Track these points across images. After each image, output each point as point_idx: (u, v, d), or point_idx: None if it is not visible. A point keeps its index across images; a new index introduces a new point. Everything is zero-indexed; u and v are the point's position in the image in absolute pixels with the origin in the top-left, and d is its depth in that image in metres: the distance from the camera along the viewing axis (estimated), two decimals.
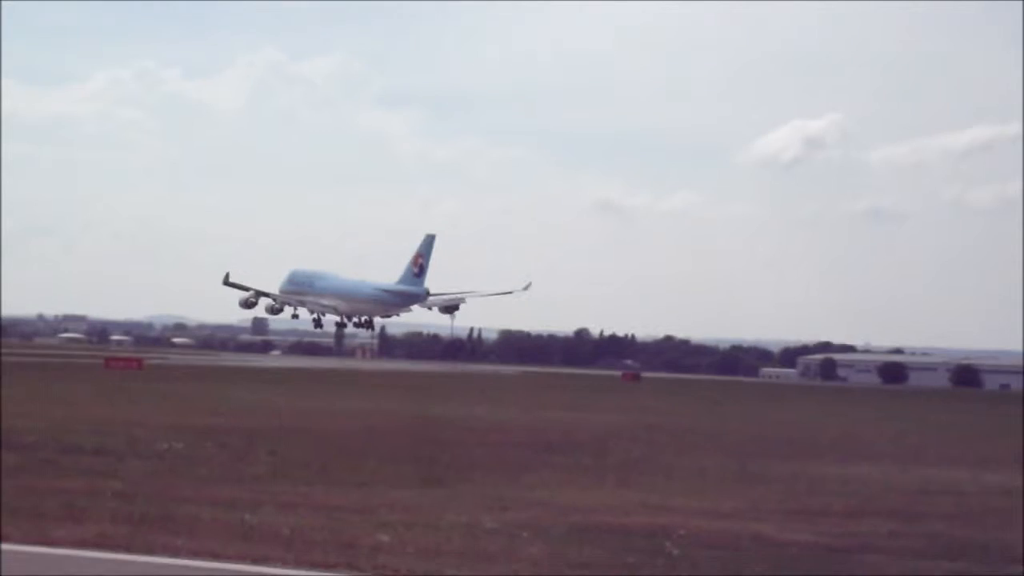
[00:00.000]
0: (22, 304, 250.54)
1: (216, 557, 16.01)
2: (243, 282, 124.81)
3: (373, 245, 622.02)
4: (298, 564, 15.87)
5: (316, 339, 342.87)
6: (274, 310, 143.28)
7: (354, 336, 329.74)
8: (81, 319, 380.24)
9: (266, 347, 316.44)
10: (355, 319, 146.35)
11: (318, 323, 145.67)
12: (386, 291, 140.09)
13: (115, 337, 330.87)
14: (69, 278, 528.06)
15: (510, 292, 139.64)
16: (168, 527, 18.07)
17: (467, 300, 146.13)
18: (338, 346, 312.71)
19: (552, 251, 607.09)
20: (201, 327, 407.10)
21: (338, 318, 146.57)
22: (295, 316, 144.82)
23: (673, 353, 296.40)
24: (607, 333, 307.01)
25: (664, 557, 17.83)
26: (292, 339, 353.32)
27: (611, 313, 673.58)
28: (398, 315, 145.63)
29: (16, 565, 15.15)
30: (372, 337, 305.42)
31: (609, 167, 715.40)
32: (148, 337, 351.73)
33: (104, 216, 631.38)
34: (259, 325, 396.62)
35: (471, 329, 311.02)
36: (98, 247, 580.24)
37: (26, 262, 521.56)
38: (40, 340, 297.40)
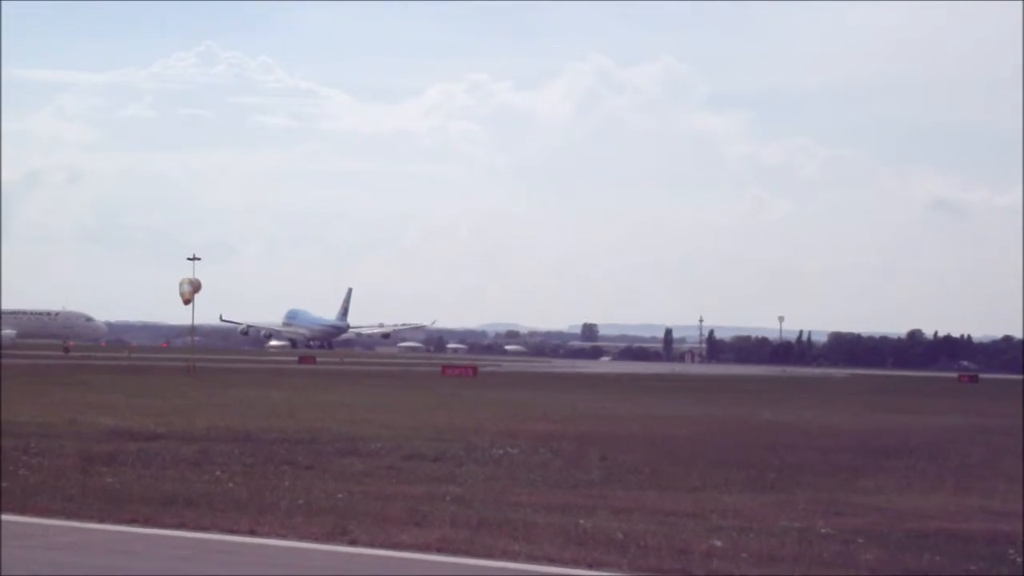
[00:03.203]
0: (364, 315, 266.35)
1: (552, 562, 16.40)
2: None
3: (701, 247, 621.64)
4: (632, 569, 16.08)
5: (645, 344, 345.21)
6: (267, 336, 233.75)
7: (683, 341, 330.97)
8: (419, 328, 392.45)
9: (596, 353, 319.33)
10: (313, 341, 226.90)
11: (294, 344, 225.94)
12: (326, 324, 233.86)
13: (451, 345, 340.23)
14: (408, 288, 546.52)
15: (421, 326, 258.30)
16: (506, 531, 18.51)
17: (390, 331, 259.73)
18: (667, 351, 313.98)
19: (884, 250, 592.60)
20: (533, 334, 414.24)
21: (304, 340, 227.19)
22: (268, 336, 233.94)
23: (1013, 353, 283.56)
24: (941, 334, 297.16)
25: (1008, 565, 17.29)
26: (622, 344, 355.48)
27: (946, 313, 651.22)
28: (335, 340, 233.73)
29: (365, 568, 15.93)
30: (700, 342, 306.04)
31: (944, 163, 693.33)
32: (482, 345, 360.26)
33: (439, 227, 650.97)
34: (589, 331, 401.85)
35: (800, 332, 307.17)
36: (434, 257, 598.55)
37: (368, 274, 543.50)
38: (381, 349, 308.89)
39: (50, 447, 29.27)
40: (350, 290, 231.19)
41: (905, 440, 42.06)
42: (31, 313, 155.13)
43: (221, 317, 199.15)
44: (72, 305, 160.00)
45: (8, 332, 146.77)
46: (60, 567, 15.11)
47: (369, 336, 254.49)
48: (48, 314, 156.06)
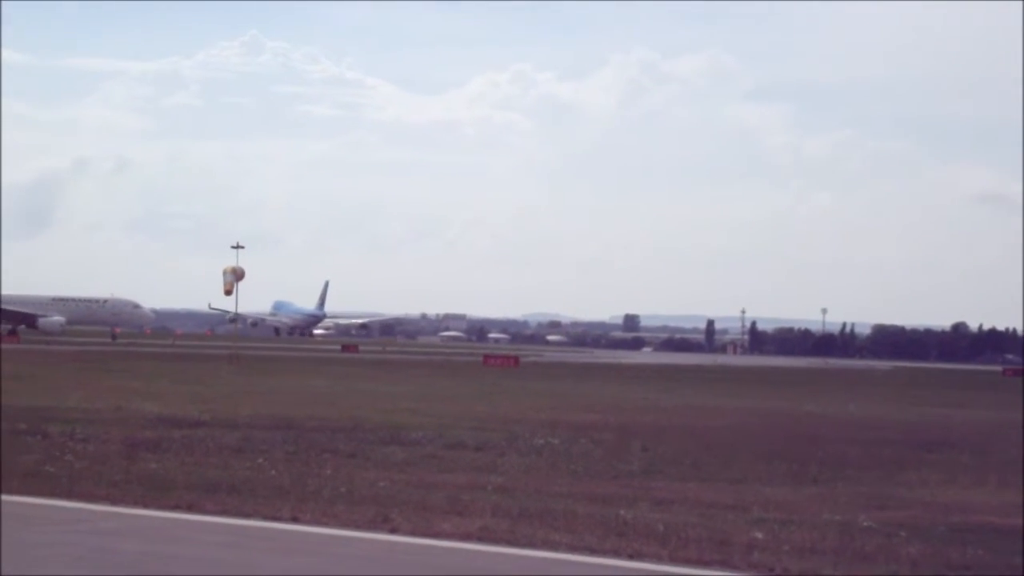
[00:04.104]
0: (407, 304, 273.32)
1: (592, 552, 16.38)
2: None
3: (743, 238, 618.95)
4: (673, 560, 16.03)
5: (687, 335, 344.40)
6: (254, 323, 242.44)
7: (725, 332, 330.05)
8: (461, 318, 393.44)
9: (638, 343, 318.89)
10: (296, 330, 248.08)
11: (278, 332, 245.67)
12: (305, 314, 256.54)
13: (493, 335, 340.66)
14: (450, 278, 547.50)
15: (365, 324, 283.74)
16: (546, 521, 18.51)
17: (366, 322, 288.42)
18: (709, 342, 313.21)
19: (928, 242, 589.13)
20: (575, 324, 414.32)
21: (287, 329, 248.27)
22: (254, 324, 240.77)
23: None
24: (987, 327, 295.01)
25: None
26: (663, 335, 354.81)
27: (991, 306, 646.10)
28: (314, 329, 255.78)
29: (406, 557, 15.98)
30: (742, 333, 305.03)
31: (990, 156, 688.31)
32: (524, 335, 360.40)
33: (482, 217, 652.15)
34: (630, 322, 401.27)
35: (843, 324, 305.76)
36: (477, 247, 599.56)
37: (412, 264, 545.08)
38: (423, 339, 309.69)
39: (96, 433, 29.51)
40: (327, 283, 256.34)
41: (949, 434, 41.82)
42: (80, 300, 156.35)
43: (210, 305, 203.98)
44: (119, 292, 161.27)
45: (58, 319, 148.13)
46: (105, 552, 15.26)
47: (347, 326, 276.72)
48: (97, 301, 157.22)
